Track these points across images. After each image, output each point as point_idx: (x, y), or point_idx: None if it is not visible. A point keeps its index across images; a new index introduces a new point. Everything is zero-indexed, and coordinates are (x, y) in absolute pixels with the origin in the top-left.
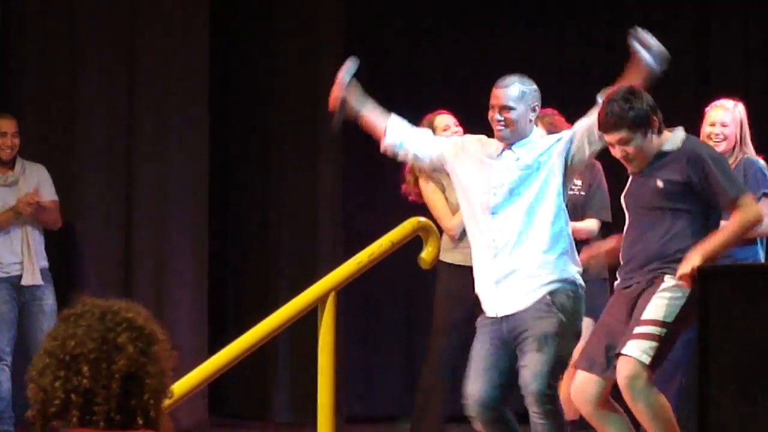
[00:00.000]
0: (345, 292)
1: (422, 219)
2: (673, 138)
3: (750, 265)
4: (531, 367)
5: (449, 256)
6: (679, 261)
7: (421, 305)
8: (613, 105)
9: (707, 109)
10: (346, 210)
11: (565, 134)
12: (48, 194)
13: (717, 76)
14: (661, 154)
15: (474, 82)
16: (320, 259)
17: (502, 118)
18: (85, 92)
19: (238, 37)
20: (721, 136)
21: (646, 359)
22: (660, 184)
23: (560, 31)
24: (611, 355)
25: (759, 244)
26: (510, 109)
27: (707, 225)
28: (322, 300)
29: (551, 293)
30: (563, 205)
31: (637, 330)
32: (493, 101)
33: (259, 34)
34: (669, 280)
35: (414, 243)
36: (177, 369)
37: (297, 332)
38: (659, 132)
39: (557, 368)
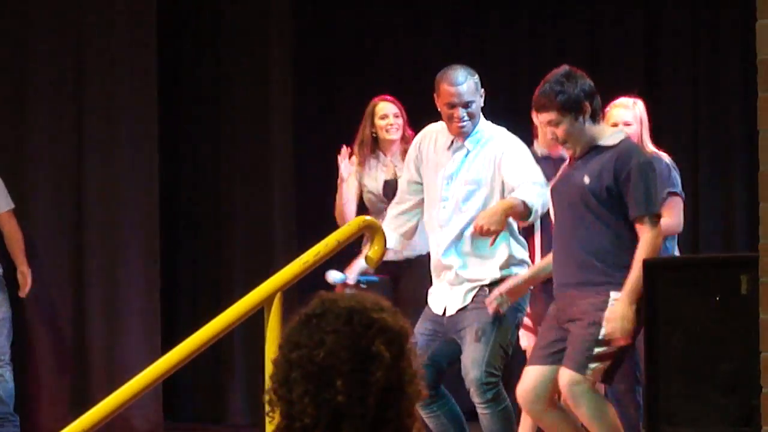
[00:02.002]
0: (302, 291)
1: (367, 218)
2: (613, 135)
3: (695, 257)
4: (469, 356)
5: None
6: (601, 279)
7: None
8: (546, 86)
9: (607, 108)
10: (299, 203)
11: (506, 161)
12: (4, 204)
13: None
14: (596, 148)
15: (424, 77)
16: (275, 255)
17: (465, 115)
18: (33, 95)
19: (187, 36)
20: None
21: (599, 378)
22: (586, 180)
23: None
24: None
25: (669, 240)
26: (471, 103)
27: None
28: (268, 301)
29: (489, 285)
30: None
31: (596, 351)
32: (452, 99)
33: (207, 35)
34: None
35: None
36: (130, 370)
37: (251, 332)
38: (594, 120)
39: (496, 357)
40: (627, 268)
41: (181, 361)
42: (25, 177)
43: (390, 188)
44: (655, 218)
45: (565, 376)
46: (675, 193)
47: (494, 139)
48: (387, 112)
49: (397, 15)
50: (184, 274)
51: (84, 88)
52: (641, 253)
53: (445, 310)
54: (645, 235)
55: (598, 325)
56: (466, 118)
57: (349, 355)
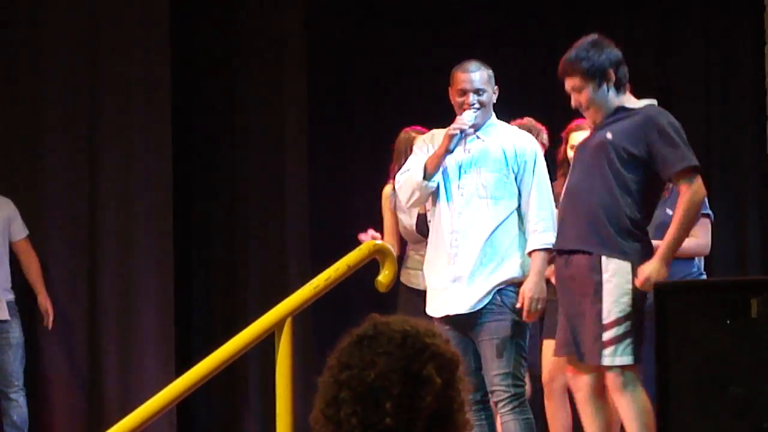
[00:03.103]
0: (316, 313)
1: (378, 242)
2: (640, 102)
3: (706, 281)
4: (495, 370)
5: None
6: (613, 238)
7: None
8: (572, 51)
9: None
10: (313, 222)
11: (531, 157)
12: (18, 231)
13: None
14: (621, 110)
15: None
16: (289, 278)
17: (477, 102)
18: (47, 117)
19: (201, 44)
20: None
21: (627, 361)
22: (609, 135)
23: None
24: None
25: (698, 260)
26: (483, 92)
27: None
28: (278, 326)
29: (500, 293)
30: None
31: (606, 336)
32: (464, 85)
33: (221, 42)
34: (607, 264)
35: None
36: (143, 393)
37: (265, 354)
38: (617, 89)
39: (519, 366)
40: (627, 234)
41: (194, 384)
42: (38, 202)
43: (423, 224)
44: (693, 171)
45: (612, 380)
46: (706, 215)
47: (510, 132)
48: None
49: (415, 37)
50: (198, 297)
51: (99, 108)
52: (681, 210)
53: (450, 312)
54: (685, 192)
55: (598, 304)
56: (477, 105)
57: (399, 378)
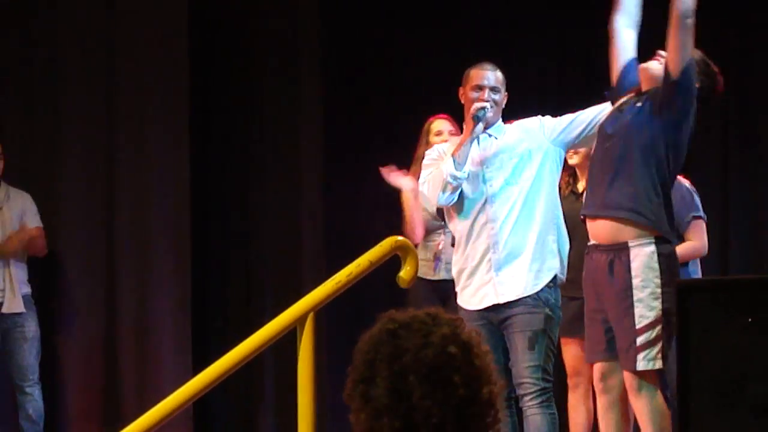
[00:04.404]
0: (330, 311)
1: (399, 238)
2: None
3: (728, 279)
4: (524, 363)
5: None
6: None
7: None
8: None
9: None
10: (328, 221)
11: (550, 120)
12: (33, 221)
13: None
14: None
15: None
16: (304, 273)
17: (490, 99)
18: (66, 118)
19: (219, 49)
20: None
21: (659, 365)
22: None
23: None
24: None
25: (692, 264)
26: (498, 91)
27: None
28: (300, 321)
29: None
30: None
31: (639, 341)
32: (480, 81)
33: (237, 48)
34: (636, 248)
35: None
36: (160, 390)
37: (282, 354)
38: None
39: (549, 361)
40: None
41: (213, 382)
42: (55, 195)
43: (441, 209)
44: None
45: (626, 376)
46: (699, 217)
47: (515, 124)
48: (442, 129)
49: (428, 44)
50: (214, 293)
51: (115, 108)
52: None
53: (484, 304)
54: None
55: (630, 308)
56: (491, 101)
57: (457, 348)
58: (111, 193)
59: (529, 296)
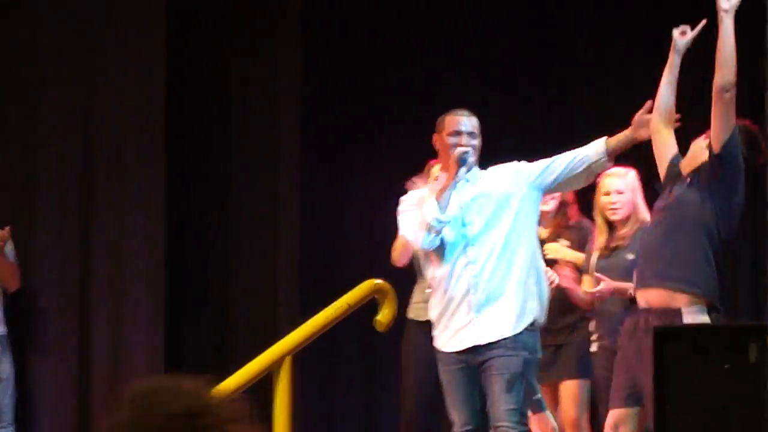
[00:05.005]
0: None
1: (378, 281)
2: None
3: (705, 325)
4: (502, 406)
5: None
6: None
7: (384, 360)
8: None
9: (599, 178)
10: (303, 258)
11: (527, 165)
12: (9, 256)
13: None
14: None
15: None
16: (279, 318)
17: (470, 144)
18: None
19: (196, 60)
20: (618, 204)
21: None
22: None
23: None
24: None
25: None
26: (475, 136)
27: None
28: (277, 365)
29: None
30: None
31: None
32: (458, 126)
33: (215, 56)
34: (689, 315)
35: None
36: None
37: (257, 396)
38: None
39: (526, 403)
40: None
41: None
42: (29, 220)
43: None
44: None
45: None
46: None
47: (491, 170)
48: (440, 177)
49: (414, 62)
50: (188, 334)
51: (93, 120)
52: None
53: (463, 346)
54: None
55: None
56: (470, 147)
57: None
58: (85, 208)
59: (508, 338)
